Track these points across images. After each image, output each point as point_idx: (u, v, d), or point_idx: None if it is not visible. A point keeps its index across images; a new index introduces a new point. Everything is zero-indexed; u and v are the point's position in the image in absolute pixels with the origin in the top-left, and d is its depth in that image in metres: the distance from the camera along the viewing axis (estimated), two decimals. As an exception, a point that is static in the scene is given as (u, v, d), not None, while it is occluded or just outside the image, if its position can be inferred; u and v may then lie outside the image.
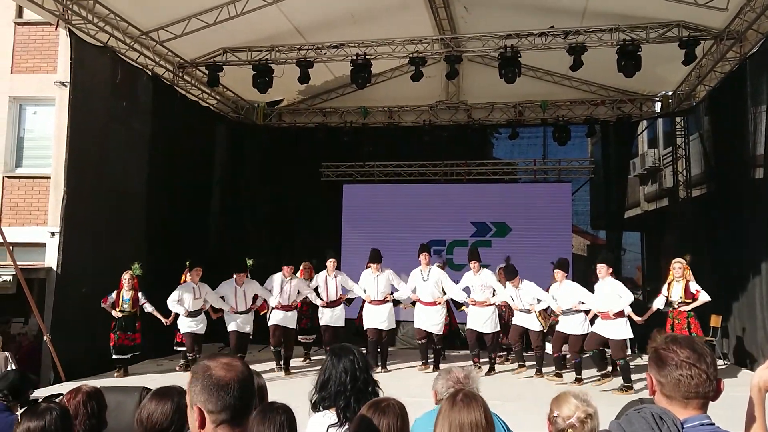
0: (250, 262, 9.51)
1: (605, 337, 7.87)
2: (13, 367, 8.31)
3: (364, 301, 9.52)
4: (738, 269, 9.33)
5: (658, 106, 12.75)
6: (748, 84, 8.98)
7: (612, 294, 7.86)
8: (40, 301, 9.57)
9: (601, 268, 7.97)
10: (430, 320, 9.03)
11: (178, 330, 8.98)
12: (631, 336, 7.99)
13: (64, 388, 7.58)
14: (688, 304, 8.10)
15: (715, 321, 9.66)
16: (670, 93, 12.25)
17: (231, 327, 8.84)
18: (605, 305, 7.85)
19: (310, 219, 12.88)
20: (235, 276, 8.91)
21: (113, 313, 8.43)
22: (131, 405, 4.67)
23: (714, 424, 1.70)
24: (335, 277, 9.40)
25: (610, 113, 12.50)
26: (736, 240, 9.45)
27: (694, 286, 8.14)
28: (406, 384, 7.70)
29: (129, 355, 8.52)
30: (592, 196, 12.97)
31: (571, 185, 12.70)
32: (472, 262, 8.98)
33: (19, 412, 2.18)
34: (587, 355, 8.33)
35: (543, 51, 9.78)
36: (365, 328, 9.31)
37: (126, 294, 8.47)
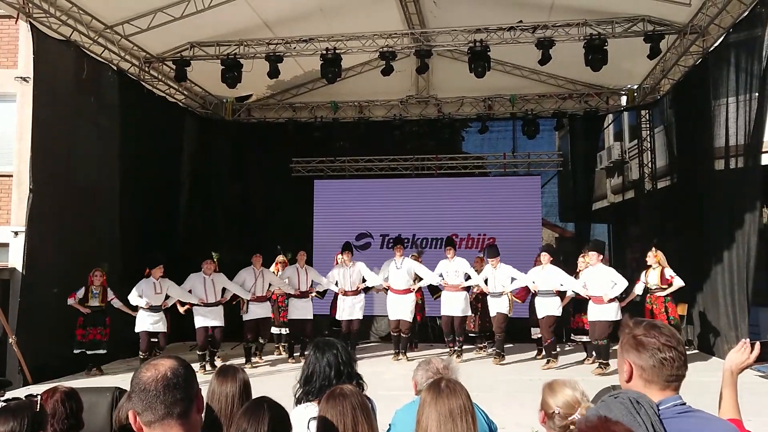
0: (216, 256, 9.45)
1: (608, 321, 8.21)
2: None
3: (336, 294, 9.71)
4: (701, 258, 9.56)
5: (623, 100, 12.97)
6: (710, 78, 9.22)
7: (605, 280, 8.25)
8: (4, 302, 9.33)
9: (593, 256, 8.42)
10: (401, 308, 9.34)
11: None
12: (620, 318, 8.24)
13: (32, 390, 7.42)
14: (664, 289, 8.61)
15: (681, 309, 9.89)
16: (636, 87, 12.48)
17: (199, 323, 8.81)
18: (599, 291, 8.23)
19: (281, 215, 12.81)
20: (203, 266, 8.91)
21: (81, 309, 8.38)
22: (104, 405, 4.61)
23: (685, 403, 1.75)
24: (305, 270, 9.64)
25: (577, 107, 12.69)
26: (699, 230, 9.69)
27: (668, 273, 8.67)
28: (382, 378, 7.72)
29: (102, 351, 8.52)
30: (561, 188, 13.17)
31: (540, 178, 12.87)
32: (447, 248, 9.35)
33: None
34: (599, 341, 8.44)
35: (512, 45, 9.87)
36: (339, 319, 9.61)
37: (95, 289, 8.47)
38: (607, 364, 8.10)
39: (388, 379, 7.47)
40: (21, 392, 7.24)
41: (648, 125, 12.53)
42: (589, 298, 8.43)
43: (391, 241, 12.27)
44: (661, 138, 11.96)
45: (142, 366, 1.65)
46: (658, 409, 1.65)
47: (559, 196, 13.17)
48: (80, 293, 8.41)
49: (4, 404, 2.17)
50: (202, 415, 1.71)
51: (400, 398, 2.95)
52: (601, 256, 8.52)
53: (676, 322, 8.55)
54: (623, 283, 8.26)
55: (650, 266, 8.86)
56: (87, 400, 3.93)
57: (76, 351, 8.38)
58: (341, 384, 2.50)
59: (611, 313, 8.18)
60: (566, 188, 13.11)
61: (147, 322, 8.50)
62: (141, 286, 8.52)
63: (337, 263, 10.09)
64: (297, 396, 2.73)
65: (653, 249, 8.95)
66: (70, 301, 8.36)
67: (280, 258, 10.16)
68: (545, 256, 8.82)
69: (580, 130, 12.92)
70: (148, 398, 1.57)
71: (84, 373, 8.29)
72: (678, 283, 8.61)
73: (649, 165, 12.37)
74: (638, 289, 8.91)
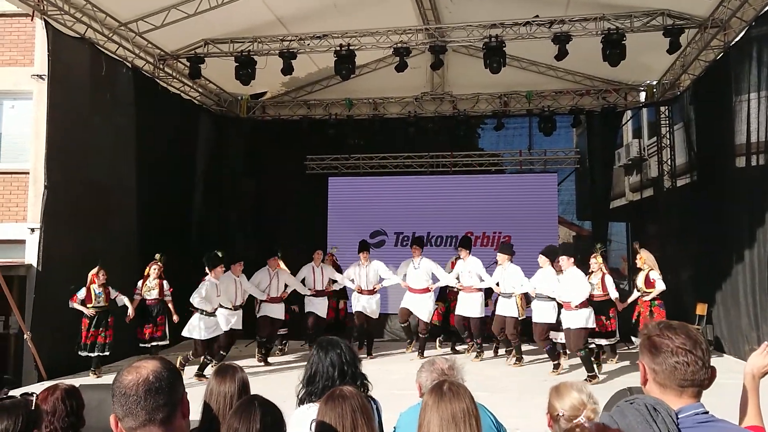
0: (219, 255, 9.39)
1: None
2: None
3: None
4: (722, 257, 9.37)
5: (642, 96, 12.75)
6: (732, 73, 9.01)
7: (574, 285, 7.82)
8: (20, 298, 9.39)
9: (563, 260, 7.96)
10: (418, 306, 9.31)
11: (140, 328, 8.69)
12: (593, 326, 7.88)
13: (45, 386, 7.43)
14: (649, 293, 8.30)
15: (701, 309, 9.72)
16: (655, 82, 12.26)
17: (225, 326, 8.49)
18: (568, 296, 7.84)
19: (295, 212, 12.79)
20: (234, 268, 8.70)
21: (84, 310, 8.15)
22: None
23: (708, 412, 1.65)
24: (321, 268, 9.65)
25: (595, 103, 12.50)
26: (719, 228, 9.49)
27: (653, 275, 8.30)
28: (392, 378, 7.66)
29: (105, 353, 8.27)
30: (578, 186, 13.00)
31: (557, 176, 12.70)
32: (460, 248, 9.28)
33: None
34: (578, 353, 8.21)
35: (528, 41, 9.73)
36: (354, 311, 9.67)
37: (98, 289, 8.22)
38: (594, 376, 7.60)
39: (400, 379, 7.39)
40: (35, 388, 7.29)
41: (667, 122, 12.32)
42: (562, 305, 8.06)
43: (406, 238, 12.23)
44: (680, 135, 11.75)
45: (124, 368, 1.57)
46: (677, 417, 1.55)
47: (576, 194, 13.01)
48: (81, 294, 8.16)
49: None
50: (188, 420, 1.63)
51: (409, 398, 2.88)
52: (570, 259, 7.90)
53: None
54: (584, 292, 7.74)
55: (640, 269, 8.55)
56: (96, 396, 3.92)
57: (81, 354, 8.18)
58: (345, 384, 2.44)
59: (581, 320, 7.70)
60: (583, 186, 12.94)
61: (234, 323, 8.52)
62: (223, 286, 8.29)
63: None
64: (300, 396, 2.66)
65: (639, 251, 8.61)
66: (72, 305, 8.12)
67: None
68: (542, 258, 8.44)
69: (597, 127, 12.72)
70: (129, 403, 1.49)
71: (91, 375, 8.09)
72: (659, 287, 8.22)
73: (669, 162, 12.16)
74: (635, 292, 8.63)
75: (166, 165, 10.67)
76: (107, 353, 8.30)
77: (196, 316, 8.13)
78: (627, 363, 8.66)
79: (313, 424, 2.15)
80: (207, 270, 8.30)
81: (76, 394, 2.85)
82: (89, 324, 8.17)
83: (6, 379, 3.29)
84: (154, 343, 8.73)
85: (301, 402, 2.65)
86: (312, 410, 2.52)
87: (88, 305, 8.17)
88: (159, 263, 8.87)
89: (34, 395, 2.21)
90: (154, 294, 8.79)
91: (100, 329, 8.23)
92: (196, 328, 8.08)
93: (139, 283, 8.83)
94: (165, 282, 8.90)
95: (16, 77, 11.29)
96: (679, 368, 1.65)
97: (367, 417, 2.08)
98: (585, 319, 7.73)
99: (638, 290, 8.48)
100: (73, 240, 8.58)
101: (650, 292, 8.26)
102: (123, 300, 8.54)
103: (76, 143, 8.73)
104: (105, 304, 8.28)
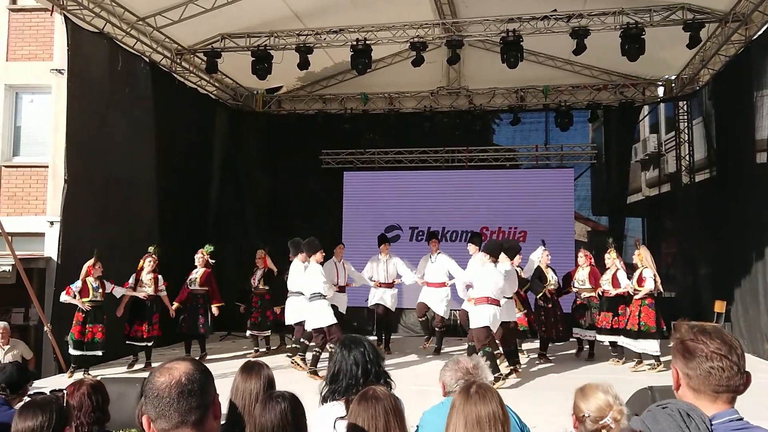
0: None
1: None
2: (27, 358, 8.19)
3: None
4: (741, 254, 9.27)
5: (660, 91, 12.63)
6: (753, 67, 8.89)
7: (486, 278, 7.28)
8: (40, 291, 9.51)
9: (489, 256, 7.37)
10: (434, 299, 9.24)
11: (130, 325, 8.27)
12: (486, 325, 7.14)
13: (65, 378, 7.54)
14: (639, 291, 8.09)
15: (720, 306, 9.62)
16: (674, 77, 12.13)
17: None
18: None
19: (310, 206, 12.80)
20: (308, 256, 7.97)
21: (80, 304, 7.65)
22: (133, 396, 4.65)
23: (743, 419, 1.63)
24: (343, 264, 9.38)
25: (612, 98, 12.39)
26: (738, 225, 9.39)
27: (645, 274, 8.06)
28: (414, 374, 7.68)
29: (100, 352, 7.78)
30: (594, 181, 12.89)
31: (573, 171, 12.60)
32: (471, 245, 9.03)
33: (17, 407, 2.13)
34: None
35: (545, 35, 9.65)
36: (372, 305, 9.59)
37: (94, 282, 7.77)
38: (499, 378, 6.85)
39: (420, 375, 7.41)
40: (56, 379, 7.40)
41: (686, 117, 12.19)
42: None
43: (421, 233, 12.22)
44: (699, 130, 11.62)
45: (156, 370, 1.57)
46: (711, 424, 1.54)
47: (593, 190, 12.90)
48: (76, 286, 7.67)
49: (29, 399, 2.16)
50: (219, 421, 1.64)
51: (431, 394, 2.88)
52: (485, 256, 7.32)
53: (647, 329, 7.89)
54: (493, 286, 7.12)
55: (636, 266, 8.30)
56: (116, 390, 3.97)
57: (75, 353, 7.68)
58: (369, 383, 2.44)
59: (477, 318, 7.16)
60: (600, 181, 12.85)
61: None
62: (323, 275, 7.75)
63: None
64: (323, 395, 2.67)
65: (638, 247, 8.37)
66: (65, 298, 7.65)
67: (260, 253, 9.65)
68: (482, 254, 7.66)
69: (614, 122, 12.63)
70: (162, 405, 1.49)
71: (83, 374, 7.54)
72: (648, 286, 7.89)
73: (687, 158, 12.04)
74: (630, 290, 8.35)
75: (183, 159, 10.73)
76: (100, 352, 7.82)
77: (324, 302, 7.63)
78: (631, 362, 8.59)
79: (339, 422, 2.16)
80: (308, 255, 7.89)
81: (101, 389, 2.88)
82: (84, 319, 7.66)
83: (30, 372, 3.34)
84: (149, 343, 8.35)
85: (324, 400, 2.65)
86: (335, 408, 2.53)
87: (84, 299, 7.69)
88: (153, 256, 8.48)
89: (63, 392, 2.24)
90: (149, 290, 8.33)
91: (98, 325, 7.72)
92: (329, 315, 7.58)
93: (132, 277, 8.37)
94: (160, 277, 8.47)
95: (36, 71, 11.40)
96: (714, 373, 1.63)
97: (399, 419, 2.09)
98: (484, 316, 7.12)
99: (631, 288, 8.28)
100: (91, 233, 8.62)
101: (640, 291, 8.07)
102: (120, 291, 8.13)
103: (95, 137, 8.79)
104: (101, 298, 7.82)
